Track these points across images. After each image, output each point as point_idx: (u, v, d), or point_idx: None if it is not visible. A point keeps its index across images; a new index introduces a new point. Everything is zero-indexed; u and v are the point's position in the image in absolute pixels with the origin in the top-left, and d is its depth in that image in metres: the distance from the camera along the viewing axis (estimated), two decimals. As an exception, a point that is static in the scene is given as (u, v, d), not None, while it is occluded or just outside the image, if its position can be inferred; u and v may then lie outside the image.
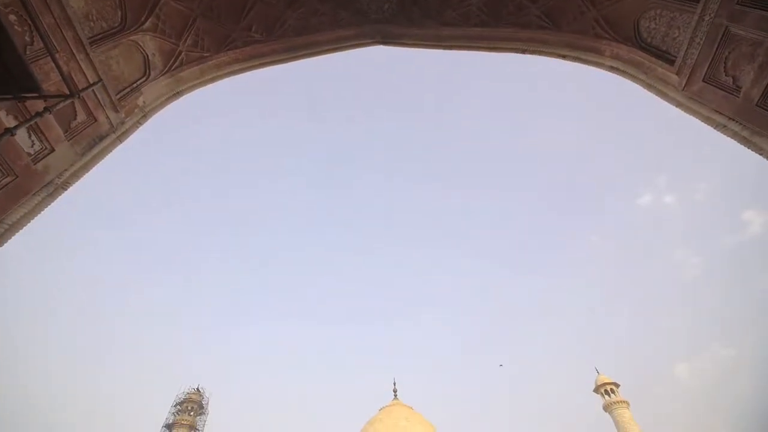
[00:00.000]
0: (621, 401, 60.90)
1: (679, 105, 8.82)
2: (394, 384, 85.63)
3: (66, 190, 8.07)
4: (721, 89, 7.74)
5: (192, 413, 61.95)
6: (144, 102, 9.62)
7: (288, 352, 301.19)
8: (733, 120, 7.73)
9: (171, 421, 60.30)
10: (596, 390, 64.30)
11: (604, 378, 64.62)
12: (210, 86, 11.10)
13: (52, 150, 7.42)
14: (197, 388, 65.36)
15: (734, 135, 7.85)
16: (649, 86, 9.31)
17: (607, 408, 61.61)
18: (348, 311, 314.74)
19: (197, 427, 61.25)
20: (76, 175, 8.23)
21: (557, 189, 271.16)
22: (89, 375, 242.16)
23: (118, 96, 8.73)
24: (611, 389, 62.83)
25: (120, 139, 9.09)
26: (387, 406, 79.84)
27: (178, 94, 10.48)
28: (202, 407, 63.63)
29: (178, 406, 62.11)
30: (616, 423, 59.25)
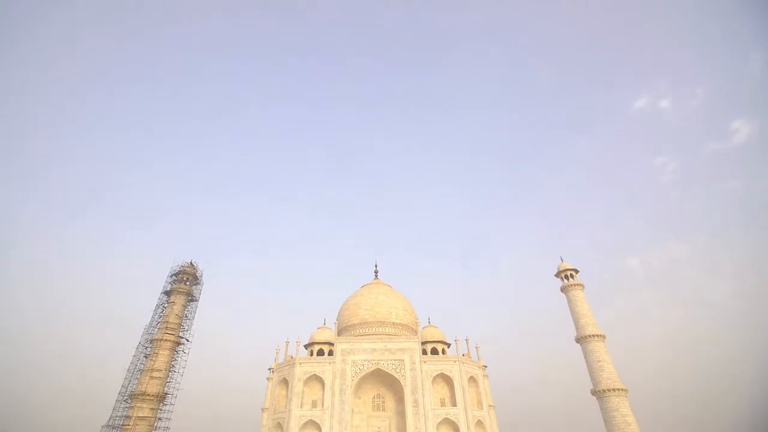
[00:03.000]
0: (577, 284, 68.30)
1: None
2: (375, 266, 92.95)
3: None
4: None
5: (188, 283, 67.09)
6: None
7: (278, 237, 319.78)
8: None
9: (169, 289, 65.51)
10: (558, 275, 71.39)
11: (566, 265, 71.23)
12: None
13: None
14: (190, 262, 69.60)
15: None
16: None
17: (563, 289, 69.32)
18: (338, 202, 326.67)
19: (194, 294, 67.01)
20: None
21: (555, 85, 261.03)
22: (98, 244, 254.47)
23: None
24: (570, 274, 69.87)
25: None
26: (368, 284, 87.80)
27: None
28: (197, 278, 68.65)
29: (174, 277, 66.85)
30: (570, 301, 67.40)
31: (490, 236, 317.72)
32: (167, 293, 64.93)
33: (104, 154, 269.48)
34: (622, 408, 55.37)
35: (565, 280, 69.59)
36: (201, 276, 69.20)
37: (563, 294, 69.42)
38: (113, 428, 51.44)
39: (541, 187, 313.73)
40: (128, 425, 51.73)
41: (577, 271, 70.13)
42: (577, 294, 67.30)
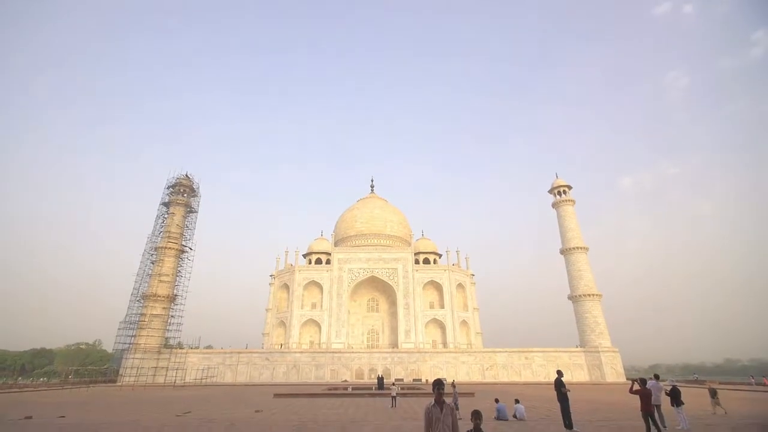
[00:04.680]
0: (568, 200, 69.60)
1: None
2: (371, 180, 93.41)
3: None
4: None
5: (185, 195, 67.83)
6: None
7: (276, 154, 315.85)
8: None
9: (167, 200, 66.45)
10: (551, 191, 72.29)
11: (560, 181, 71.72)
12: None
13: None
14: (186, 174, 69.48)
15: None
16: None
17: (555, 205, 70.82)
18: (336, 117, 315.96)
19: (192, 205, 68.24)
20: None
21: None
22: (96, 164, 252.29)
23: None
24: (564, 190, 70.75)
25: None
26: (364, 197, 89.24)
27: None
28: (194, 191, 69.20)
29: (171, 189, 67.31)
30: (560, 216, 69.36)
31: (486, 152, 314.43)
32: (166, 204, 66.03)
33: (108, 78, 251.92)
34: (594, 311, 60.77)
35: (558, 196, 70.76)
36: (198, 189, 69.69)
37: (554, 210, 71.12)
38: (130, 324, 56.56)
39: (540, 102, 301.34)
40: (144, 321, 56.83)
41: (570, 188, 70.91)
42: (567, 209, 69.01)
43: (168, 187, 67.04)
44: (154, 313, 58.10)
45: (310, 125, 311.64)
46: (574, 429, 13.47)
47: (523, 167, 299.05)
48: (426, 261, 74.77)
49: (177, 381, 51.69)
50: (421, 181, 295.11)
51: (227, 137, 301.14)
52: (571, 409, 14.17)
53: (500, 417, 16.66)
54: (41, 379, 76.46)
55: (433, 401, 5.46)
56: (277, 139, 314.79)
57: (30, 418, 18.33)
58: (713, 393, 19.40)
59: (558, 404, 14.18)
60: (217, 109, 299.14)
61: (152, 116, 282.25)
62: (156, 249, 62.11)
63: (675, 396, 13.90)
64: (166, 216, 65.27)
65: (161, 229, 64.12)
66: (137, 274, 59.49)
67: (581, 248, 65.16)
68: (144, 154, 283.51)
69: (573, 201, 69.86)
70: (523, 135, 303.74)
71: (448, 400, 5.49)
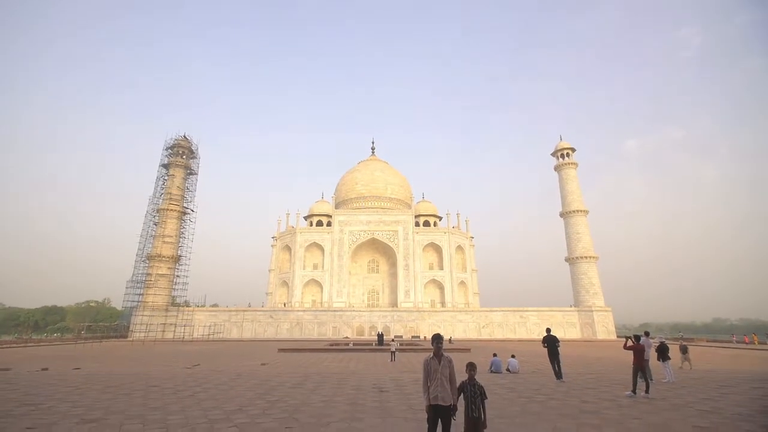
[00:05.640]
0: (571, 163, 68.83)
1: None
2: (372, 142, 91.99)
3: None
4: None
5: (184, 156, 67.06)
6: None
7: (277, 116, 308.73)
8: None
9: (166, 162, 65.80)
10: (554, 153, 71.29)
11: (564, 144, 70.54)
12: None
13: None
14: (184, 135, 68.30)
15: None
16: None
17: (557, 168, 70.12)
18: (337, 78, 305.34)
19: (192, 167, 67.66)
20: None
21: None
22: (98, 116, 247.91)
23: None
24: (567, 153, 69.76)
25: None
26: (365, 160, 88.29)
27: None
28: (192, 152, 68.34)
29: (170, 150, 66.43)
30: (561, 179, 68.91)
31: (489, 114, 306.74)
32: (165, 166, 65.48)
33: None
34: (590, 272, 61.99)
35: (560, 159, 69.90)
36: (197, 150, 68.81)
37: (557, 173, 70.50)
38: (137, 283, 58.00)
39: (547, 63, 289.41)
40: (150, 281, 58.23)
41: (573, 150, 69.88)
42: (570, 172, 68.41)
43: (166, 149, 66.20)
44: (160, 273, 59.41)
45: (311, 87, 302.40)
46: (563, 380, 14.22)
47: (525, 130, 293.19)
48: (426, 223, 75.27)
49: (185, 337, 53.84)
50: (423, 145, 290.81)
51: (227, 100, 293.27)
52: (561, 363, 15.03)
53: (494, 370, 17.48)
54: (55, 334, 79.60)
55: (432, 354, 5.68)
56: (277, 103, 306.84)
57: (46, 369, 19.27)
58: (684, 349, 21.33)
59: (548, 358, 15.09)
60: (217, 72, 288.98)
61: (152, 72, 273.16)
62: (158, 211, 62.40)
63: (663, 352, 14.51)
64: (166, 178, 64.96)
65: (162, 191, 64.06)
66: (141, 236, 60.24)
67: (581, 211, 65.33)
68: (145, 115, 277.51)
69: (576, 164, 69.12)
70: (527, 97, 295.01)
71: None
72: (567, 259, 65.23)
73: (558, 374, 14.53)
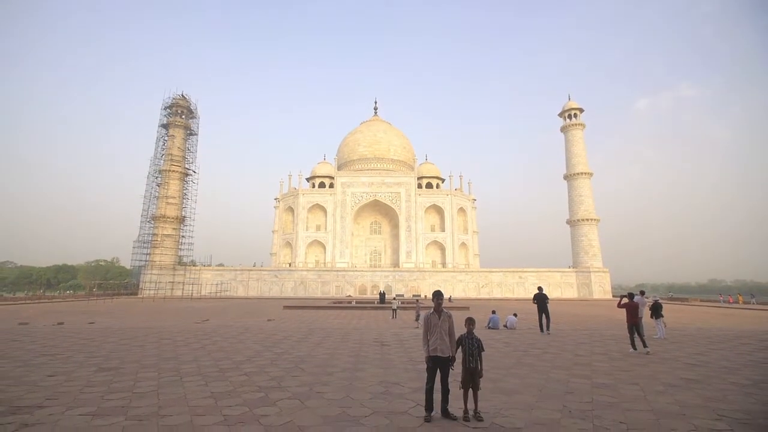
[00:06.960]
0: (578, 124, 67.15)
1: None
2: (375, 103, 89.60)
3: None
4: None
5: (183, 116, 65.77)
6: None
7: (278, 75, 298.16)
8: None
9: (165, 122, 64.66)
10: (561, 114, 69.38)
11: (573, 104, 68.45)
12: None
13: None
14: (182, 94, 66.61)
15: None
16: None
17: (564, 129, 68.52)
18: (340, 40, 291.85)
19: (191, 128, 66.57)
20: None
21: None
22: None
23: None
24: (575, 113, 67.88)
25: None
26: (367, 120, 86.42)
27: None
28: (192, 112, 66.97)
29: (168, 110, 65.05)
30: (567, 140, 67.56)
31: (494, 72, 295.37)
32: (165, 126, 64.44)
33: None
34: (590, 234, 62.45)
35: (568, 120, 68.16)
36: (196, 110, 67.42)
37: (562, 133, 69.02)
38: (144, 243, 59.05)
39: (556, 16, 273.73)
40: (156, 241, 59.24)
41: (581, 111, 67.96)
42: (576, 134, 66.94)
43: (165, 108, 64.86)
44: (166, 233, 60.29)
45: (312, 50, 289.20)
46: (549, 332, 15.59)
47: (531, 88, 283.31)
48: (429, 185, 74.98)
49: (193, 295, 55.62)
50: (427, 105, 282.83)
51: (227, 60, 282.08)
52: (552, 319, 16.56)
53: (492, 326, 18.13)
54: (68, 291, 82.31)
55: (432, 309, 5.88)
56: (278, 63, 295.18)
57: (62, 324, 20.12)
58: (657, 310, 20.95)
59: (537, 314, 16.26)
60: (217, 32, 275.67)
61: (150, 34, 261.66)
62: (160, 172, 62.20)
63: (656, 309, 14.98)
64: (166, 138, 64.15)
65: (163, 152, 63.51)
66: (144, 197, 60.49)
67: (586, 174, 64.67)
68: (147, 76, 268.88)
69: (583, 125, 67.49)
70: (533, 56, 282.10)
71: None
72: (568, 222, 65.48)
73: (543, 327, 15.69)
